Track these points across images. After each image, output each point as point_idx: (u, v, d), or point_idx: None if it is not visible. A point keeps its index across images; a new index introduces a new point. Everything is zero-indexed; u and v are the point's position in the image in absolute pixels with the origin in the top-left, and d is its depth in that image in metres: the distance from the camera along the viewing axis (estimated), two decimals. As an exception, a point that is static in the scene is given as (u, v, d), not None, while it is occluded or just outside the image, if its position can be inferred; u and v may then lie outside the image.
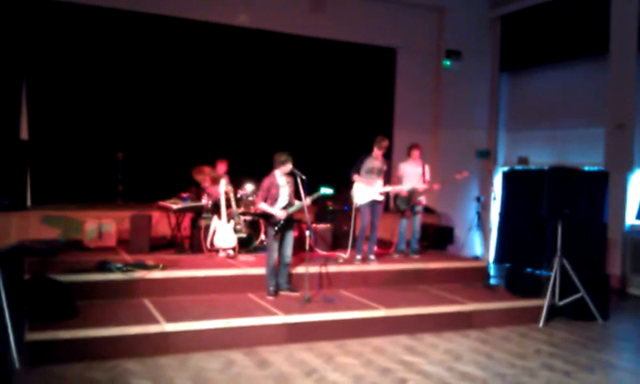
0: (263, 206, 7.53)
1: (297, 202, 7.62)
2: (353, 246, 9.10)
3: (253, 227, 9.24)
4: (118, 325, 6.06)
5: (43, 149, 10.41)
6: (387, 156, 9.36)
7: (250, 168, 9.65)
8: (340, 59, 12.94)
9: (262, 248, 8.97)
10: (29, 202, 9.84)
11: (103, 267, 7.29)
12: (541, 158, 12.98)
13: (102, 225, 9.02)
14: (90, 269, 7.28)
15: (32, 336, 5.65)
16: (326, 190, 7.65)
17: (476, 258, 10.34)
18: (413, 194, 9.35)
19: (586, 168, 11.47)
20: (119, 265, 7.38)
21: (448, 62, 13.66)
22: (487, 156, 14.07)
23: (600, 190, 10.65)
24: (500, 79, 14.22)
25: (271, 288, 7.55)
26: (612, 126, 10.92)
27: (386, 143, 8.88)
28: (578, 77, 12.45)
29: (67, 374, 5.48)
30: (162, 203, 9.35)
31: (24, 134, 10.19)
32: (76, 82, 10.89)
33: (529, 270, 8.76)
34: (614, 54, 11.06)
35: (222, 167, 9.48)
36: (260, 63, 12.23)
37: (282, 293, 7.67)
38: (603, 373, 6.30)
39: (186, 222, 9.44)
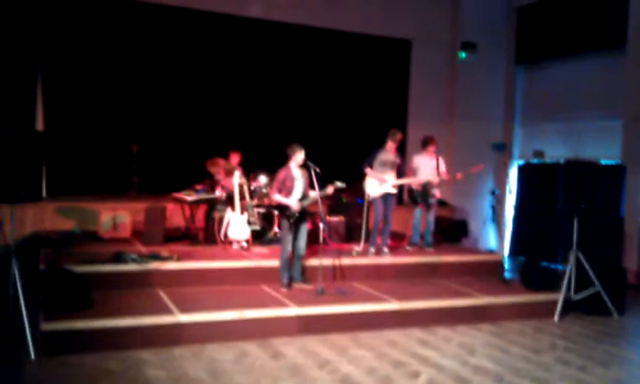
0: (278, 198, 7.53)
1: (311, 194, 7.61)
2: (366, 239, 9.07)
3: (266, 219, 9.24)
4: (133, 315, 6.09)
5: (58, 140, 10.49)
6: (401, 148, 9.31)
7: (264, 160, 9.64)
8: (354, 51, 12.89)
9: (275, 240, 8.98)
10: (44, 193, 9.93)
11: (118, 258, 7.33)
12: (557, 151, 12.86)
13: (117, 216, 9.06)
14: (105, 260, 7.32)
15: (47, 326, 5.69)
16: (339, 184, 7.62)
17: (490, 252, 10.28)
18: (427, 186, 9.31)
19: (603, 161, 11.34)
20: (134, 256, 7.41)
21: (463, 54, 13.56)
22: (502, 149, 13.97)
23: (617, 183, 10.52)
24: (516, 72, 14.11)
25: (285, 280, 7.55)
26: (629, 119, 10.80)
27: (399, 136, 8.84)
28: (594, 69, 12.32)
29: (82, 363, 5.52)
30: (176, 195, 9.38)
31: (39, 125, 10.28)
32: (91, 74, 10.95)
33: (544, 263, 8.69)
34: (631, 46, 10.92)
35: (235, 159, 9.47)
36: (273, 55, 12.21)
37: (295, 285, 7.66)
38: (619, 368, 6.24)
39: (200, 213, 9.46)
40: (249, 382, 5.32)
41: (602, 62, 12.14)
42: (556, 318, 7.86)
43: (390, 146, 8.80)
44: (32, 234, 8.78)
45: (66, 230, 9.27)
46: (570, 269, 8.08)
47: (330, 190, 7.59)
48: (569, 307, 8.14)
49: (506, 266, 9.62)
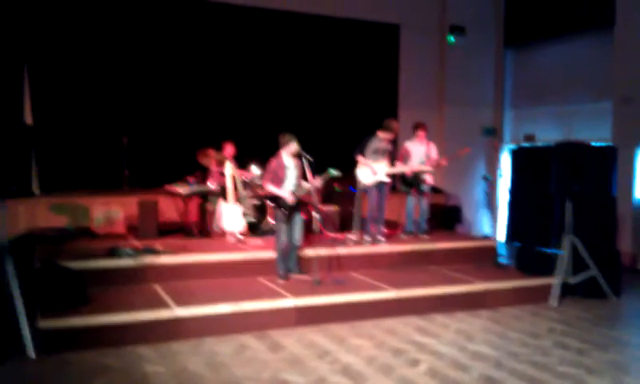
0: (271, 189, 7.48)
1: (304, 184, 7.57)
2: (361, 228, 9.05)
3: (260, 210, 9.20)
4: (130, 311, 6.06)
5: (48, 135, 10.36)
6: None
7: (256, 150, 9.57)
8: (343, 37, 12.81)
9: (270, 231, 8.93)
10: (36, 190, 9.83)
11: (113, 253, 7.28)
12: (548, 135, 12.87)
13: (110, 211, 8.99)
14: (100, 255, 7.27)
15: (44, 324, 5.64)
16: (334, 172, 7.58)
17: (485, 238, 10.29)
18: (418, 173, 9.30)
19: (594, 143, 11.36)
20: (129, 250, 7.36)
21: (452, 38, 13.52)
22: (493, 133, 13.98)
23: (608, 165, 10.55)
24: (505, 55, 14.09)
25: (281, 271, 7.53)
26: (619, 100, 10.83)
27: (396, 127, 8.73)
28: (584, 51, 12.32)
29: (81, 360, 5.49)
30: (168, 187, 9.30)
31: (28, 120, 10.14)
32: (79, 66, 10.80)
33: (539, 248, 8.71)
34: (620, 26, 10.93)
35: (229, 150, 9.39)
36: (262, 43, 12.11)
37: (292, 276, 7.64)
38: (617, 350, 6.27)
39: (194, 206, 9.39)
40: (249, 375, 5.30)
41: (591, 43, 12.14)
42: (553, 302, 7.90)
43: (385, 135, 8.73)
44: (26, 232, 8.70)
45: (59, 227, 9.18)
46: (564, 252, 8.11)
47: (318, 181, 7.51)
48: (565, 291, 8.17)
49: (502, 251, 9.65)
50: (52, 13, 10.50)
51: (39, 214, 9.26)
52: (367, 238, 8.78)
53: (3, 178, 5.63)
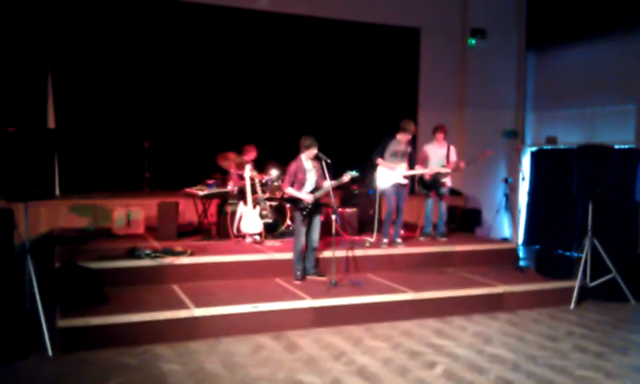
0: (291, 191, 7.52)
1: (324, 185, 7.58)
2: (379, 230, 9.04)
3: (279, 212, 9.23)
4: (148, 310, 6.12)
5: (70, 138, 10.52)
6: (412, 138, 9.19)
7: (275, 153, 9.61)
8: (364, 41, 12.81)
9: (288, 233, 8.98)
10: (57, 192, 9.98)
11: (132, 254, 7.36)
12: (569, 137, 12.75)
13: (130, 212, 9.08)
14: (120, 256, 7.36)
15: (64, 323, 5.73)
16: (353, 173, 7.58)
17: (504, 240, 10.21)
18: (437, 176, 9.25)
19: (617, 146, 11.22)
20: (148, 251, 7.44)
21: (473, 41, 13.45)
22: (515, 136, 13.87)
23: (631, 168, 10.42)
24: (526, 57, 13.97)
25: (298, 272, 7.55)
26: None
27: (413, 128, 8.66)
28: (606, 53, 12.16)
29: (99, 359, 5.56)
30: (188, 190, 9.39)
31: (51, 123, 10.34)
32: (101, 70, 10.94)
33: (559, 251, 8.62)
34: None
35: (251, 153, 9.43)
36: (282, 47, 12.17)
37: (309, 277, 7.67)
38: (637, 354, 6.18)
39: (213, 208, 9.46)
40: (265, 375, 5.33)
41: (613, 46, 11.97)
42: (572, 305, 7.81)
43: (402, 137, 8.70)
44: (47, 232, 8.85)
45: (80, 228, 9.32)
46: (585, 255, 8.02)
47: (345, 178, 7.56)
48: (585, 294, 8.09)
49: (521, 254, 9.55)
50: (75, 18, 10.65)
51: (60, 214, 9.41)
52: (385, 240, 8.76)
53: (26, 180, 5.74)
